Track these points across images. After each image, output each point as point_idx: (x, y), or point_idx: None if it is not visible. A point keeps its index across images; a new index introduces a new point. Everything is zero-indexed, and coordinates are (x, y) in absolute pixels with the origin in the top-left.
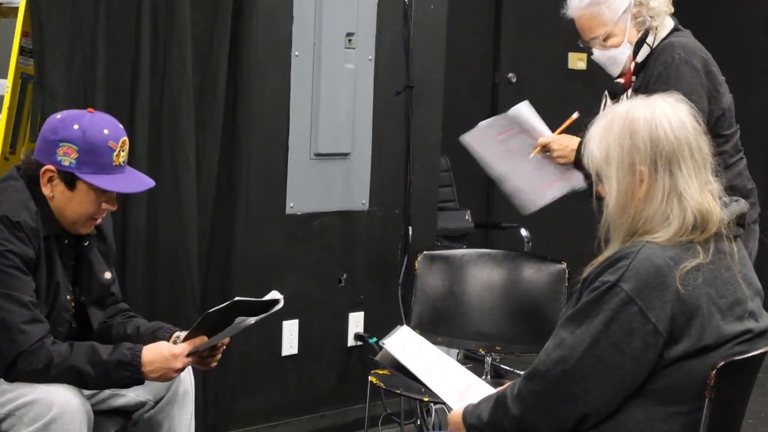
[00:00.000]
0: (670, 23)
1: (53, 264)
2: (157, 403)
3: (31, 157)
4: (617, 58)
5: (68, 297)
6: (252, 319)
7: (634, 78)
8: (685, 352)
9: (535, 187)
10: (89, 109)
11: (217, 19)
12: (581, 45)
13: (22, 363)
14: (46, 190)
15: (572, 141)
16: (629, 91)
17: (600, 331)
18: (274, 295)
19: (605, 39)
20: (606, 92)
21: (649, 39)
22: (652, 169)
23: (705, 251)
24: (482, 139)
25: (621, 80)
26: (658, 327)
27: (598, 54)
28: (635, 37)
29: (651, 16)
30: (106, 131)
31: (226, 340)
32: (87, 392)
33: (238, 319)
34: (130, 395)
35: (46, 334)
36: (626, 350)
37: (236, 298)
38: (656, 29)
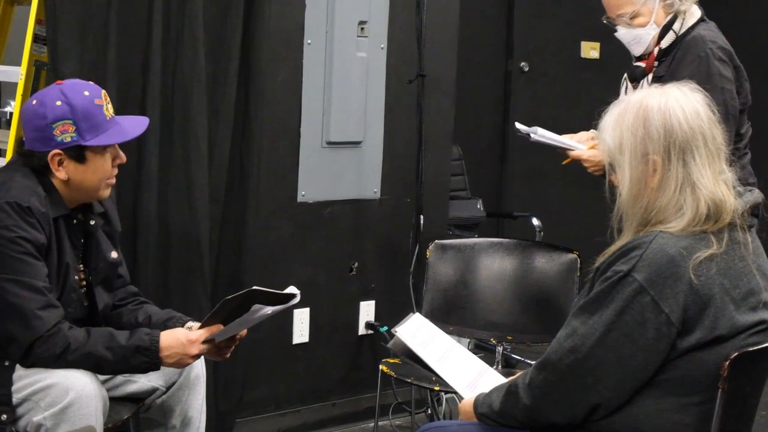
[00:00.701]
0: (697, 12)
1: (62, 245)
2: (168, 388)
3: (26, 150)
4: (642, 37)
5: (77, 277)
6: (269, 309)
7: (656, 64)
8: (698, 343)
9: None
10: (57, 82)
11: (230, 7)
12: (605, 21)
13: (38, 348)
14: (60, 174)
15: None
16: (650, 76)
17: (612, 321)
18: (292, 290)
19: (632, 17)
20: (625, 75)
21: (676, 25)
22: (666, 158)
23: (718, 241)
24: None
25: (642, 64)
26: (671, 317)
27: (622, 32)
28: (662, 19)
29: (680, 0)
30: (86, 93)
31: (244, 332)
32: (101, 378)
33: (255, 307)
34: (143, 381)
35: (61, 319)
36: (638, 340)
37: (253, 287)
38: (684, 15)
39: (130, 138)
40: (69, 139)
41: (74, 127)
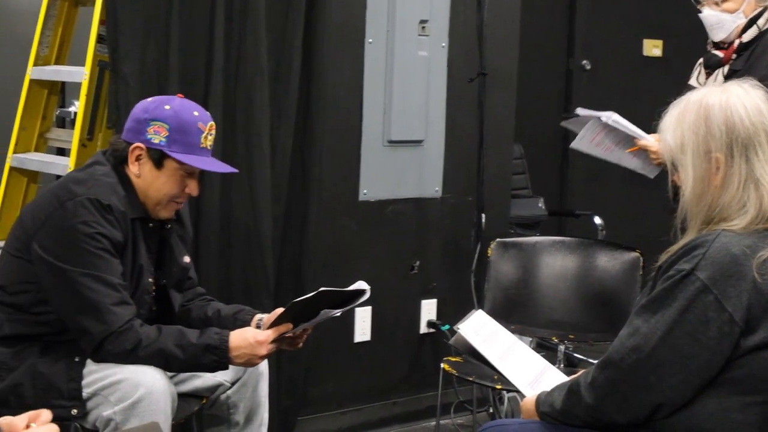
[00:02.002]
0: None
1: (138, 247)
2: (233, 384)
3: (119, 139)
4: (726, 23)
5: (150, 280)
6: (338, 312)
7: (734, 56)
8: (762, 342)
9: (644, 165)
10: (179, 95)
11: (292, 6)
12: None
13: (110, 344)
14: (133, 168)
15: None
16: (726, 68)
17: (675, 320)
18: (361, 285)
19: (723, 1)
20: (700, 61)
21: (761, 21)
22: (728, 155)
23: None
24: (584, 145)
25: (720, 53)
26: (734, 316)
27: (708, 13)
28: (751, 11)
29: None
30: (196, 113)
31: (310, 328)
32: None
33: (324, 312)
34: (208, 376)
35: (133, 316)
36: (701, 339)
37: (322, 288)
38: None
39: (208, 169)
40: (157, 141)
41: (167, 133)
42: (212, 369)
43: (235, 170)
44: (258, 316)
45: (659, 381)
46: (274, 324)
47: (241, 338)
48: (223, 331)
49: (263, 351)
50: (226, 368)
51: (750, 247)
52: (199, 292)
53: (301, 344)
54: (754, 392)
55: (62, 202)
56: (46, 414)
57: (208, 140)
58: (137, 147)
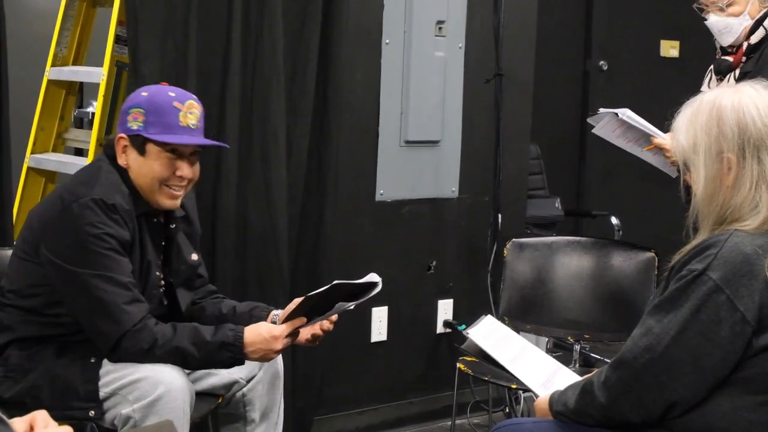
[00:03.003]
0: None
1: (144, 243)
2: (248, 381)
3: (109, 136)
4: (733, 27)
5: (158, 273)
6: (351, 305)
7: (744, 59)
8: None
9: (663, 163)
10: (162, 83)
11: (309, 7)
12: (696, 7)
13: (126, 343)
14: (121, 160)
15: None
16: (737, 71)
17: (687, 320)
18: (373, 277)
19: (727, 5)
20: (711, 68)
21: (767, 22)
22: (740, 156)
23: None
24: (606, 134)
25: (729, 58)
26: (746, 316)
27: (714, 19)
28: (757, 12)
29: None
30: (171, 94)
31: (330, 325)
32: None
33: (339, 305)
34: (223, 373)
35: (147, 314)
36: (714, 339)
37: (335, 281)
38: None
39: (187, 143)
40: (135, 127)
41: (143, 117)
42: (228, 365)
43: (223, 144)
44: (274, 312)
45: (672, 380)
46: (288, 318)
47: (255, 333)
48: (237, 327)
49: (278, 345)
50: (242, 364)
51: (762, 247)
52: (211, 289)
53: (318, 342)
54: (766, 392)
55: (67, 205)
56: (41, 415)
57: (188, 118)
58: (121, 138)
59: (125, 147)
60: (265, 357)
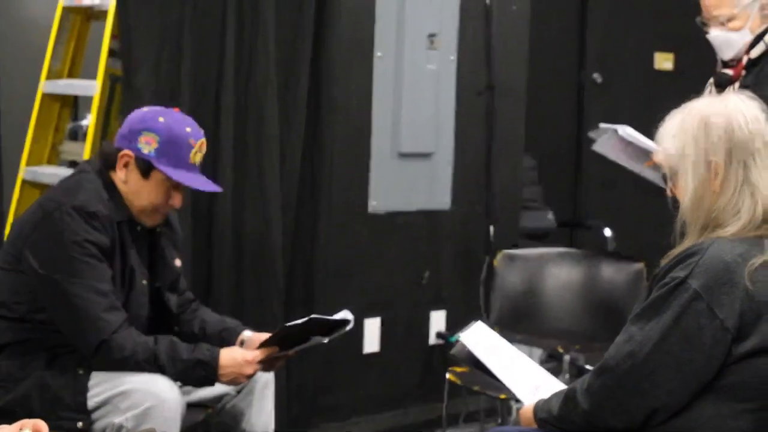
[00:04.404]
0: None
1: (126, 250)
2: (238, 393)
3: (112, 145)
4: (734, 41)
5: (144, 282)
6: (325, 339)
7: (744, 73)
8: (754, 349)
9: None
10: (175, 108)
11: (301, 20)
12: (698, 21)
13: (105, 350)
14: (120, 174)
15: None
16: (736, 85)
17: (669, 327)
18: (346, 314)
19: (728, 20)
20: (711, 81)
21: (767, 37)
22: (727, 161)
23: None
24: (606, 150)
25: (729, 71)
26: (726, 323)
27: (715, 33)
28: (758, 27)
29: None
30: (188, 129)
31: (292, 352)
32: None
33: (315, 339)
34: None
35: (124, 321)
36: (696, 345)
37: (312, 316)
38: None
39: (193, 186)
40: (146, 151)
41: (157, 145)
42: (200, 384)
43: (220, 189)
44: (244, 333)
45: (654, 387)
46: (263, 345)
47: (230, 357)
48: (213, 348)
49: (249, 371)
50: (212, 384)
51: (742, 255)
52: (188, 297)
53: (277, 368)
54: (747, 399)
55: (48, 212)
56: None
57: (197, 157)
58: (126, 154)
59: (128, 164)
60: (235, 381)
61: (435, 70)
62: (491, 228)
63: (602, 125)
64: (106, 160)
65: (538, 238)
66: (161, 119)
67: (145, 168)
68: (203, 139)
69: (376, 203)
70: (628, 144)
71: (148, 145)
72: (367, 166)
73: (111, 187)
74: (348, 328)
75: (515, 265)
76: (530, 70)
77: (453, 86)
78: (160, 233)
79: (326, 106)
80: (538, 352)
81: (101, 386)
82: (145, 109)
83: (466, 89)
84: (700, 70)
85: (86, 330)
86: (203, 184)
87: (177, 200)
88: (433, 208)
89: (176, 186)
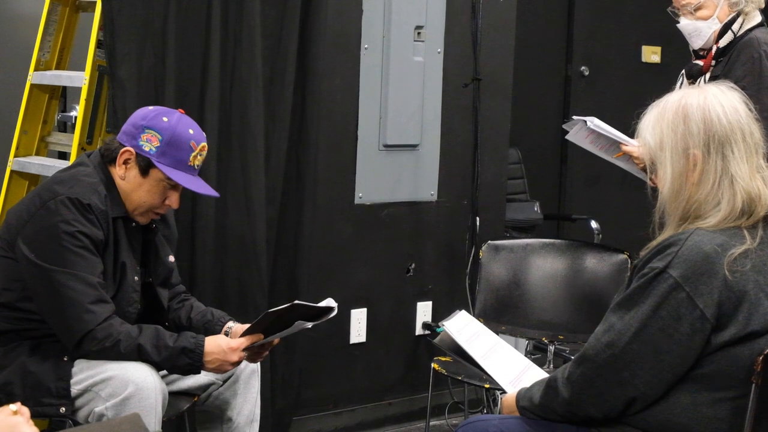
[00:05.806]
0: (757, 17)
1: (120, 245)
2: (224, 382)
3: (114, 140)
4: (702, 30)
5: (136, 278)
6: (309, 324)
7: (713, 63)
8: (732, 338)
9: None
10: (180, 110)
11: (287, 12)
12: (670, 11)
13: (88, 341)
14: (119, 170)
15: None
16: (707, 75)
17: (648, 317)
18: (330, 302)
19: (696, 9)
20: (683, 72)
21: (735, 26)
22: (705, 152)
23: (752, 237)
24: (579, 140)
25: (699, 62)
26: (706, 313)
27: (684, 23)
28: (725, 16)
29: (745, 1)
30: (191, 131)
31: (277, 340)
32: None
33: (297, 323)
34: (200, 374)
35: (111, 314)
36: (674, 335)
37: (295, 302)
38: (745, 16)
39: (191, 188)
40: (147, 149)
41: (159, 144)
42: (185, 372)
43: (217, 194)
44: (228, 324)
45: (633, 376)
46: (247, 332)
47: (214, 345)
48: (199, 336)
49: (234, 358)
50: (198, 372)
51: (722, 246)
52: (179, 290)
53: (260, 359)
54: (724, 388)
55: (44, 202)
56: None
57: (197, 159)
58: (127, 151)
59: (128, 160)
60: (220, 368)
61: (422, 63)
62: (477, 220)
63: (575, 117)
64: (106, 156)
65: (525, 230)
66: (165, 119)
67: (145, 166)
68: (205, 143)
69: (362, 195)
70: (599, 135)
71: (149, 143)
72: (354, 159)
73: (109, 183)
74: (332, 315)
75: (500, 256)
76: (517, 63)
77: (440, 79)
78: (156, 230)
79: (312, 100)
80: (524, 342)
81: (84, 373)
82: (151, 107)
83: (452, 82)
84: (686, 63)
85: (72, 320)
86: (201, 187)
87: (174, 201)
88: (419, 200)
89: (174, 186)
